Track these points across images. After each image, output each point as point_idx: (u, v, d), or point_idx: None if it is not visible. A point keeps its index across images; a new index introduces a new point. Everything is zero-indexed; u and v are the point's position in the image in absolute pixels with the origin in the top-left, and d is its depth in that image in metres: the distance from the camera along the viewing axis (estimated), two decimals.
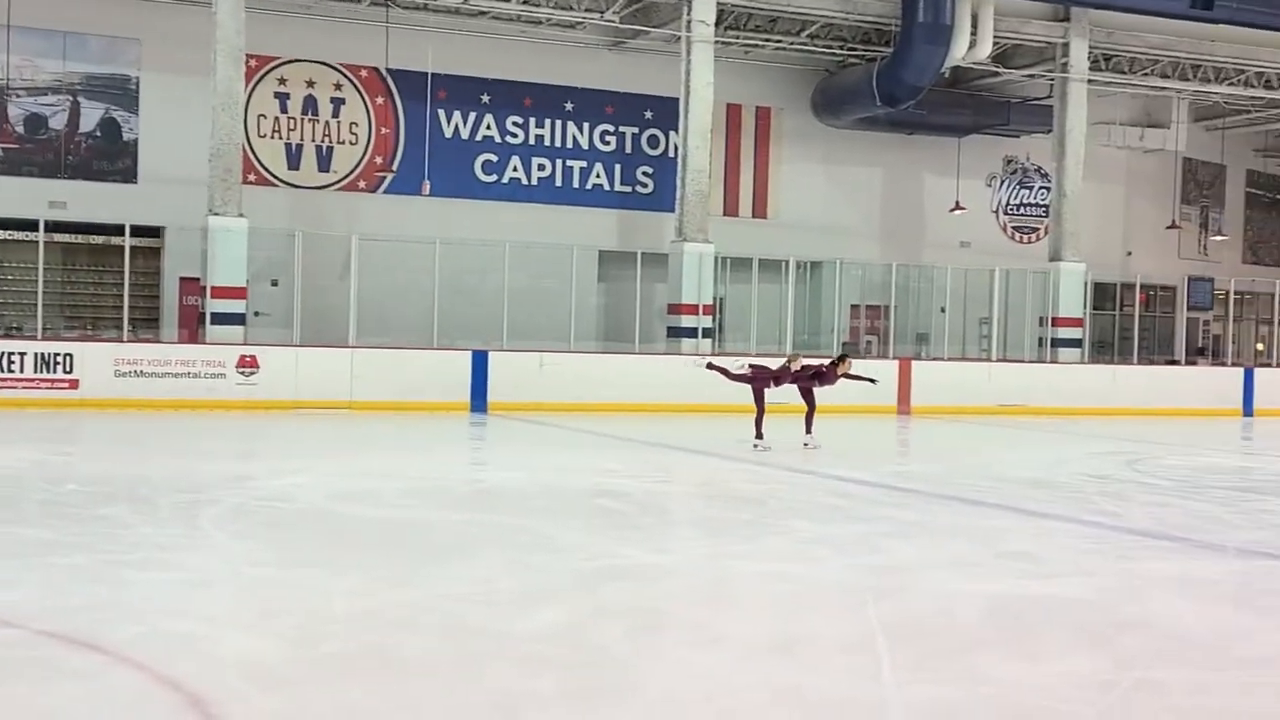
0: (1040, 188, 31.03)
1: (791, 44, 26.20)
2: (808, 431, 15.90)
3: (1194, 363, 30.69)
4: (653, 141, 27.67)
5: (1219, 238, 34.07)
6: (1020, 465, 15.52)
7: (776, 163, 28.74)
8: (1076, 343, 26.34)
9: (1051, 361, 26.00)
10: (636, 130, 27.58)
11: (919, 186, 30.23)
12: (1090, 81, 26.20)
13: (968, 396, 23.75)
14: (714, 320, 23.95)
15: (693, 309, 23.22)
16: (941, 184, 29.99)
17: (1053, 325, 26.23)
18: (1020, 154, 31.29)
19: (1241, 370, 27.54)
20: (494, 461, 15.94)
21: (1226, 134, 33.05)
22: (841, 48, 26.31)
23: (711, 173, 24.29)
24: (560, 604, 6.98)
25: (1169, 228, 32.31)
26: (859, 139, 29.00)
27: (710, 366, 16.48)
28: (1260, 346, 33.17)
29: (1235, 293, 31.09)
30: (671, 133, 26.07)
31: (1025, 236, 31.51)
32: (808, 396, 16.11)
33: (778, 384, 15.91)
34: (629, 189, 27.60)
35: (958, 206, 29.73)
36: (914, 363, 24.68)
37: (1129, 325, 30.24)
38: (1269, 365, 30.42)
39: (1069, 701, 5.36)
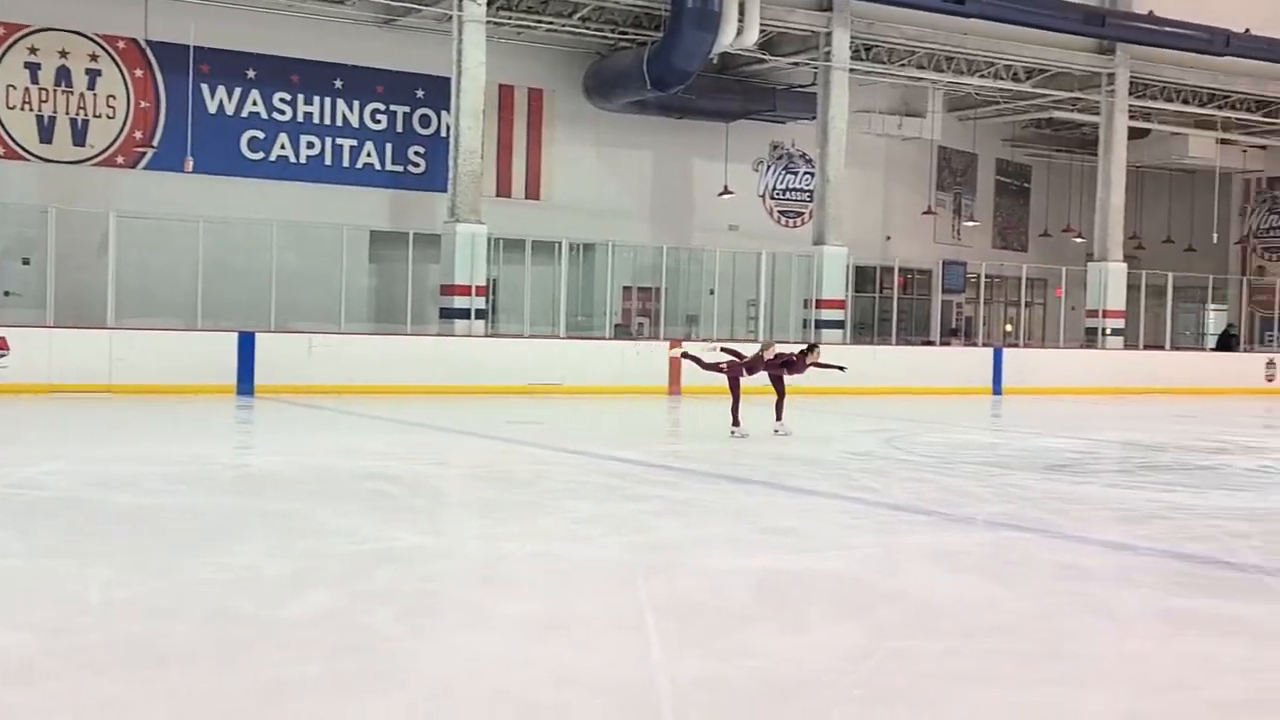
0: (805, 173, 31.87)
1: (563, 26, 26.27)
2: (778, 419, 16.00)
3: (948, 343, 32.01)
4: (424, 121, 27.40)
5: (971, 223, 35.57)
6: (786, 444, 15.94)
7: (549, 144, 28.80)
8: (839, 324, 27.18)
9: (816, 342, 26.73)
10: (408, 109, 27.27)
11: (688, 170, 30.71)
12: (852, 70, 27.01)
13: None
14: (487, 301, 23.89)
15: (465, 290, 23.11)
16: (710, 168, 30.53)
17: (817, 307, 27.00)
18: (786, 140, 32.07)
19: (991, 350, 28.87)
20: (260, 445, 15.60)
21: (978, 124, 34.53)
22: (613, 31, 26.50)
23: (484, 153, 24.20)
24: (328, 589, 6.89)
25: (925, 213, 33.60)
26: (630, 122, 29.29)
27: (685, 356, 16.52)
28: (1009, 328, 34.82)
29: (986, 276, 32.53)
30: (443, 112, 25.86)
31: (791, 220, 32.32)
32: (777, 384, 16.18)
33: (750, 372, 15.97)
34: (401, 169, 27.28)
35: (726, 190, 30.31)
36: (684, 344, 25.05)
37: (888, 307, 31.35)
38: (1016, 345, 31.97)
39: (829, 672, 5.56)
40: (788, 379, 16.26)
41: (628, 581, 7.28)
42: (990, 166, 36.45)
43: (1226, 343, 34.30)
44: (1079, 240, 35.46)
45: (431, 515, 10.06)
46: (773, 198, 32.25)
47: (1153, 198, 38.56)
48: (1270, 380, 30.97)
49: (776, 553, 8.50)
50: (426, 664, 5.53)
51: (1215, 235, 36.00)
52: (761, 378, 16.31)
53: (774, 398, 16.31)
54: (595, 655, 5.75)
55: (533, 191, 28.72)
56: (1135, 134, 32.38)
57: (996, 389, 27.45)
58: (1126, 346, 30.77)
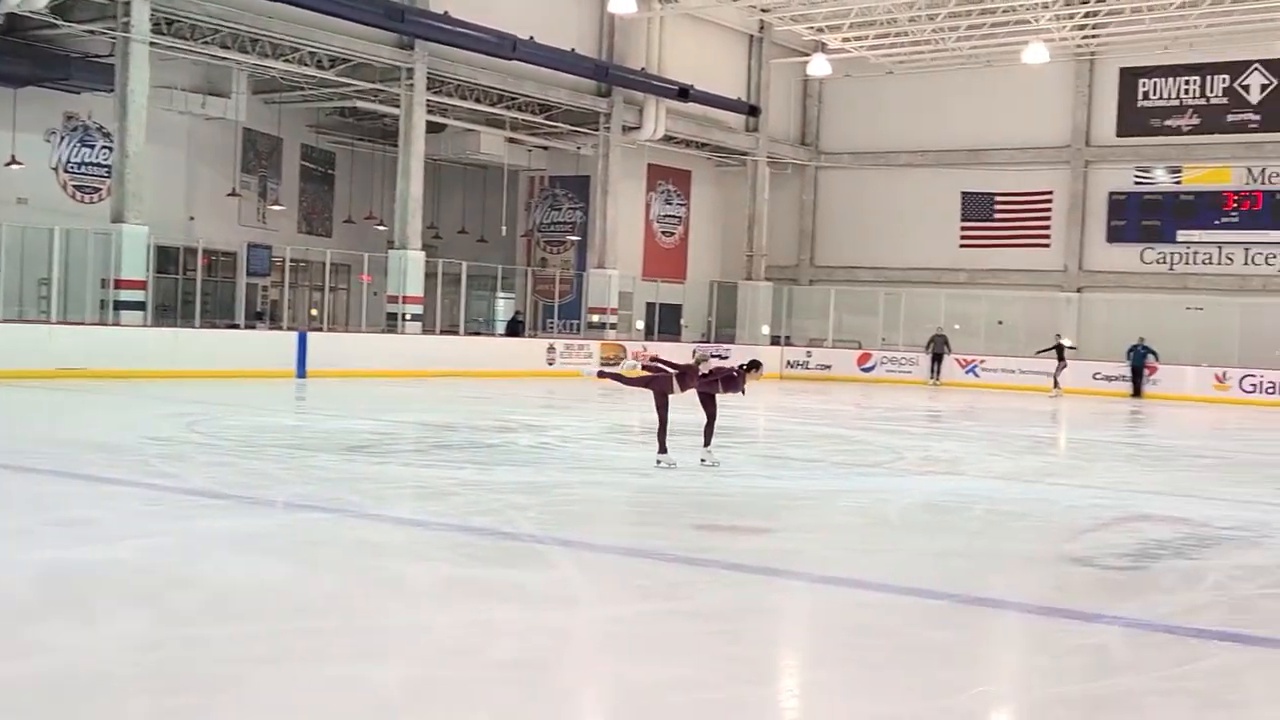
0: (103, 147, 30.38)
1: None
2: (706, 445, 13.38)
3: (253, 326, 31.80)
4: None
5: (277, 207, 35.58)
6: (82, 430, 15.27)
7: None
8: (140, 305, 26.17)
9: (114, 324, 25.61)
10: None
11: None
12: (152, 44, 26.02)
13: (26, 360, 22.74)
14: None
15: None
16: None
17: (116, 287, 25.82)
18: (82, 111, 30.41)
19: (296, 334, 29.06)
20: None
21: (284, 108, 34.58)
22: None
23: None
24: None
25: (230, 195, 33.19)
26: None
27: (601, 375, 14.16)
28: (314, 312, 35.21)
29: (291, 260, 32.64)
30: None
31: (87, 196, 30.71)
32: (708, 404, 13.48)
33: (683, 388, 13.21)
34: None
35: (14, 161, 28.29)
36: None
37: (192, 289, 30.64)
38: (320, 329, 32.41)
39: (120, 664, 5.51)
40: (720, 399, 13.59)
41: None
42: (296, 151, 36.59)
43: (514, 328, 36.72)
44: (381, 228, 36.48)
45: None
46: (67, 171, 30.46)
47: (449, 190, 40.45)
48: (551, 363, 33.58)
49: (66, 544, 8.19)
50: None
51: (504, 228, 38.43)
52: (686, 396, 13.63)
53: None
54: None
55: None
56: (433, 128, 33.75)
57: (301, 372, 27.68)
58: (425, 331, 32.09)
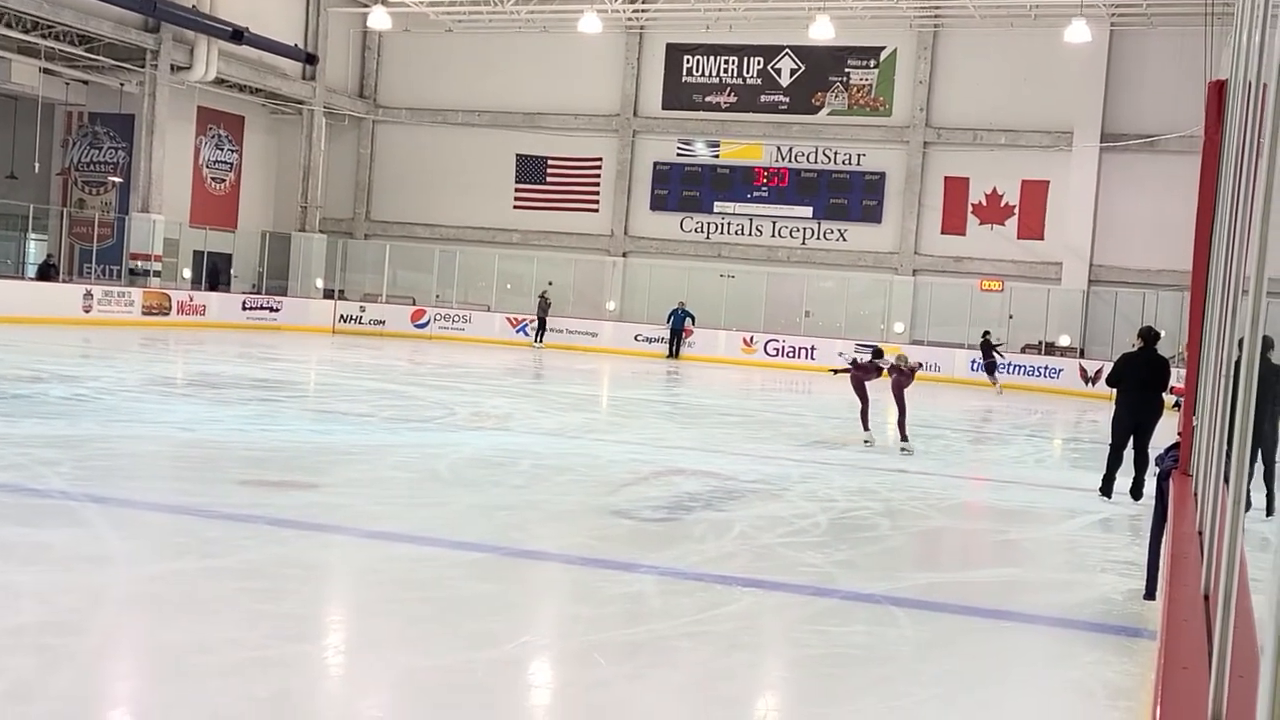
0: None
1: None
2: (867, 428, 15.79)
3: None
4: None
5: None
6: None
7: None
8: None
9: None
10: None
11: None
12: None
13: None
14: None
15: None
16: None
17: None
18: None
19: None
20: None
21: None
22: None
23: None
24: None
25: None
26: None
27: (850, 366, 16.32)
28: None
29: None
30: None
31: None
32: (864, 391, 15.87)
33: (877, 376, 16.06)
34: None
35: None
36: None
37: None
38: None
39: None
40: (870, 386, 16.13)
41: None
42: None
43: (46, 273, 34.35)
44: None
45: None
46: None
47: None
48: (88, 311, 31.66)
49: None
50: None
51: (37, 165, 35.83)
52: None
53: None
54: None
55: None
56: None
57: None
58: None
